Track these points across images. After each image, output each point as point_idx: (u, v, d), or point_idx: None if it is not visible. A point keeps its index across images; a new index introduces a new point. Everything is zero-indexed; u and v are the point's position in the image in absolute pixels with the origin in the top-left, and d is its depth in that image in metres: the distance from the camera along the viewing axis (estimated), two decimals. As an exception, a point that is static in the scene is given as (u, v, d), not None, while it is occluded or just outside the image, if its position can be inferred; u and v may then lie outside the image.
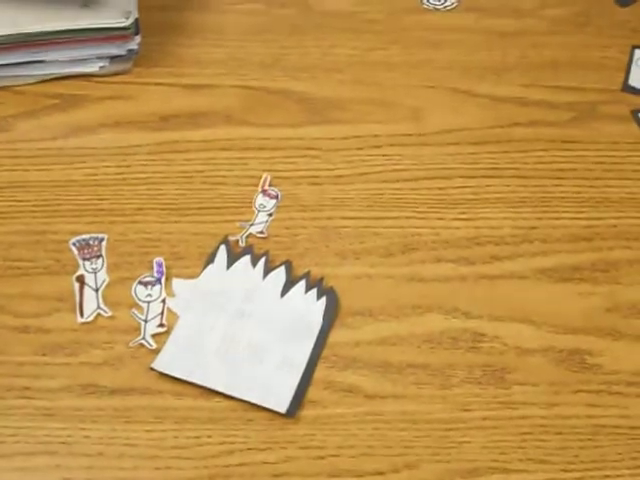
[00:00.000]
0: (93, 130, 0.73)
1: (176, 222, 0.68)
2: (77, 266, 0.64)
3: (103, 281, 0.63)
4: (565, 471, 0.56)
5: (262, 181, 0.69)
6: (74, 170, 0.71)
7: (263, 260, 0.64)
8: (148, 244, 0.66)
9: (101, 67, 0.76)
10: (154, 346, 0.60)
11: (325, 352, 0.61)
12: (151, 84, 0.76)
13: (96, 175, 0.70)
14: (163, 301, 0.62)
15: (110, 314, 0.62)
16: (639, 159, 0.73)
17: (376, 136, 0.74)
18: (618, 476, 0.56)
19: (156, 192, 0.69)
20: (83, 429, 0.57)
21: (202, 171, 0.71)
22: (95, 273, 0.63)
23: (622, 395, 0.60)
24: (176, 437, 0.57)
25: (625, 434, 0.58)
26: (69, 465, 0.56)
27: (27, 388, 0.59)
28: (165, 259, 0.65)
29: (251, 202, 0.69)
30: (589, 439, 0.58)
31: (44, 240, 0.66)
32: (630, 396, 0.60)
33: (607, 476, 0.56)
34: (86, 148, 0.72)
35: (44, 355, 0.60)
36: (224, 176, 0.71)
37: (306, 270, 0.64)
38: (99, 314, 0.62)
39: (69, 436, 0.57)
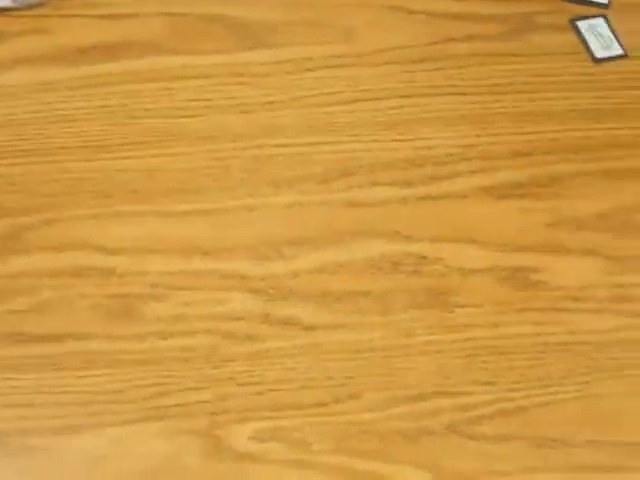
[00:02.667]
0: (9, 67, 0.69)
1: (99, 160, 0.64)
2: (-2, 211, 0.61)
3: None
4: (511, 390, 0.55)
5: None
6: (-5, 111, 0.67)
7: None
8: (72, 184, 0.63)
9: (14, 0, 0.71)
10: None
11: (261, 285, 0.59)
12: (69, 16, 0.72)
13: (14, 115, 0.67)
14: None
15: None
16: (578, 69, 0.71)
17: (309, 59, 0.70)
18: (564, 392, 0.55)
19: (78, 129, 0.66)
20: (11, 379, 0.55)
21: (126, 105, 0.67)
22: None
23: (568, 311, 0.58)
24: (109, 382, 0.55)
25: (570, 350, 0.57)
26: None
27: (-49, 340, 0.56)
28: (90, 198, 0.62)
29: (180, 134, 0.66)
30: (535, 358, 0.56)
31: (-39, 185, 0.63)
32: (576, 312, 0.58)
33: (553, 393, 0.55)
34: (2, 87, 0.68)
35: (-33, 305, 0.58)
36: (149, 109, 0.67)
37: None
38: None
39: (-3, 387, 0.55)
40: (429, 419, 0.54)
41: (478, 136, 0.66)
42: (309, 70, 0.70)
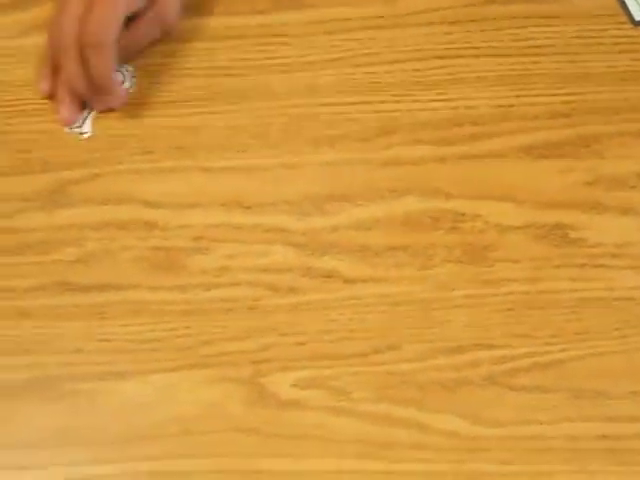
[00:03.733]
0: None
1: (143, 117, 0.65)
2: (45, 165, 0.63)
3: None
4: (549, 344, 0.56)
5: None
6: (36, 69, 0.68)
7: None
8: (116, 140, 0.64)
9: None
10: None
11: (302, 239, 0.59)
12: (111, -23, 0.73)
13: (59, 73, 0.68)
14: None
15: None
16: (618, 32, 0.71)
17: (347, 20, 0.71)
18: (602, 346, 0.55)
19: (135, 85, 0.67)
20: (58, 327, 0.56)
21: (167, 64, 0.68)
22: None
23: (606, 267, 0.59)
24: (153, 330, 0.56)
25: (609, 306, 0.57)
26: (46, 362, 0.55)
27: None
28: (133, 154, 0.63)
29: (222, 93, 0.66)
30: (573, 312, 0.57)
31: (9, 140, 0.64)
32: (614, 268, 0.59)
33: (591, 347, 0.55)
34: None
35: (15, 255, 0.59)
36: (190, 68, 0.68)
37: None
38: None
39: (45, 334, 0.56)
40: (467, 370, 0.55)
41: (517, 97, 0.67)
42: (348, 31, 0.71)
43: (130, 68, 0.64)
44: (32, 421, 0.54)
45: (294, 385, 0.54)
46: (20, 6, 0.71)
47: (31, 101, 0.66)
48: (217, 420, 0.53)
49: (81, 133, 0.64)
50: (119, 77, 0.65)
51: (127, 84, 0.64)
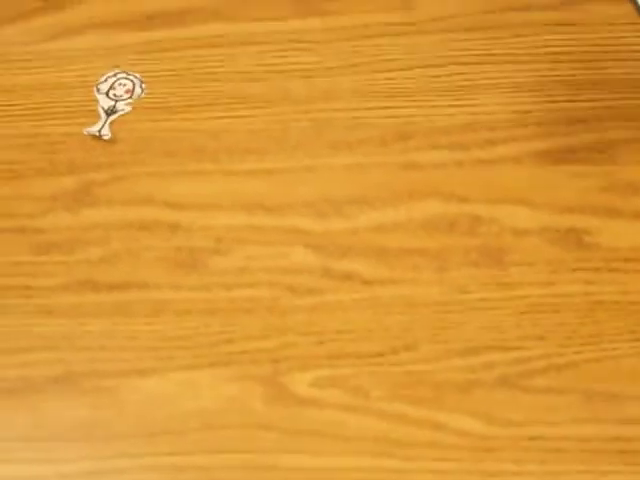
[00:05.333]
0: (79, 31, 0.72)
1: (166, 120, 0.67)
2: (70, 166, 0.64)
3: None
4: (563, 346, 0.57)
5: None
6: (63, 72, 0.70)
7: None
8: (140, 143, 0.66)
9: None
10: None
11: (321, 241, 0.61)
12: (136, -17, 0.75)
13: (85, 77, 0.69)
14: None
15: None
16: (635, 39, 0.72)
17: (366, 26, 0.72)
18: (615, 349, 0.56)
19: (146, 91, 0.68)
20: (84, 324, 0.58)
21: (191, 69, 0.70)
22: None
23: (620, 271, 0.60)
24: (175, 329, 0.58)
25: (623, 309, 0.58)
26: (71, 359, 0.57)
27: (26, 287, 0.59)
28: (156, 157, 0.64)
29: (244, 98, 0.68)
30: (587, 315, 0.58)
31: (36, 142, 0.66)
32: (629, 272, 0.60)
33: (604, 349, 0.56)
34: (73, 50, 0.71)
35: (41, 254, 0.60)
36: (213, 73, 0.70)
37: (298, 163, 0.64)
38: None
39: (70, 331, 0.58)
40: (482, 371, 0.56)
41: (534, 103, 0.68)
42: (367, 37, 0.72)
43: (138, 75, 0.66)
44: (57, 416, 0.55)
45: (313, 384, 0.55)
46: (47, 11, 0.73)
47: (58, 104, 0.68)
48: (237, 416, 0.55)
49: (100, 136, 0.65)
50: (129, 84, 0.66)
51: (138, 90, 0.65)
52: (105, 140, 0.66)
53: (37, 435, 0.55)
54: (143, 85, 0.67)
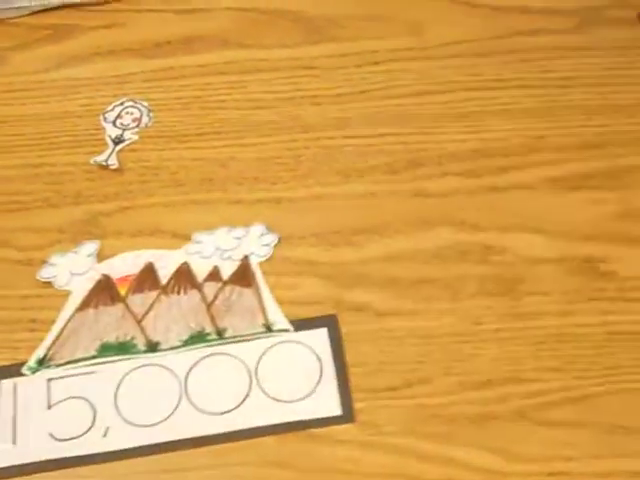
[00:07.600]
0: (87, 59, 0.71)
1: (174, 149, 0.66)
2: (77, 197, 0.64)
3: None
4: (580, 378, 0.55)
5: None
6: (69, 101, 0.69)
7: None
8: (147, 172, 0.65)
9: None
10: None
11: (331, 271, 0.60)
12: (143, 11, 0.75)
13: (92, 105, 0.69)
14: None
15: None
16: (647, 64, 0.71)
17: (375, 52, 0.72)
18: (634, 381, 0.55)
19: (154, 120, 0.68)
20: (91, 358, 0.57)
21: (199, 96, 0.69)
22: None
23: (637, 301, 0.59)
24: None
25: (641, 340, 0.57)
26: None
27: (33, 320, 0.58)
28: (164, 187, 0.64)
29: (253, 125, 0.67)
30: (604, 346, 0.57)
31: (42, 173, 0.65)
32: (646, 302, 0.59)
33: (623, 381, 0.55)
34: (81, 78, 0.70)
35: (48, 287, 0.60)
36: (222, 100, 0.69)
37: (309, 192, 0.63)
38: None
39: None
40: (498, 404, 0.55)
41: (546, 128, 0.67)
42: (376, 63, 0.71)
43: (145, 103, 0.65)
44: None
45: (324, 418, 0.54)
46: (54, 39, 0.72)
47: (64, 133, 0.67)
48: (250, 453, 0.54)
49: (107, 165, 0.65)
50: (136, 113, 0.66)
51: (145, 119, 0.65)
52: (112, 169, 0.65)
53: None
54: (151, 113, 0.67)
